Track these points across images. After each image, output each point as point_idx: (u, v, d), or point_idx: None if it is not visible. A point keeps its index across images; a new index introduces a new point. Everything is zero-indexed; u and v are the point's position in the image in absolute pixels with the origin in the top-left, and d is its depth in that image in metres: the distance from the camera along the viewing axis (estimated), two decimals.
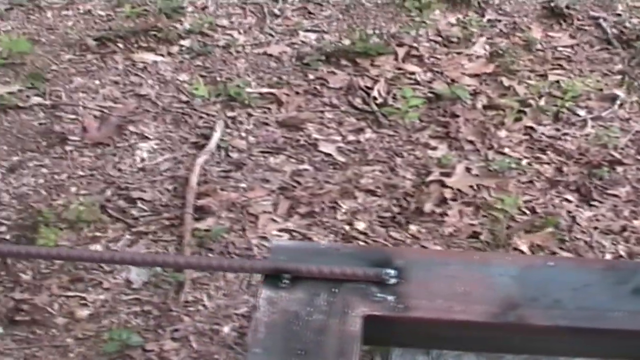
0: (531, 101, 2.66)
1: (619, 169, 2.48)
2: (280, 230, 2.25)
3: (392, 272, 1.23)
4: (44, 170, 2.42)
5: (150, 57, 2.79)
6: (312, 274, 1.23)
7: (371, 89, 2.69)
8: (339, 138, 2.53)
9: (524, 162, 2.50)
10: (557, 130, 2.58)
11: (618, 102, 2.66)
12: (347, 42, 2.83)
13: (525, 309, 1.19)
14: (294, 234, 2.24)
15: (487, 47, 2.89)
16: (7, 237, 2.22)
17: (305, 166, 2.44)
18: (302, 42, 2.86)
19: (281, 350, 1.15)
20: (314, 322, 1.19)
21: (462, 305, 1.20)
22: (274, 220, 2.29)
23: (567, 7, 3.04)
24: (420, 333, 1.27)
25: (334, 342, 1.16)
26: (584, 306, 1.20)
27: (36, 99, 2.63)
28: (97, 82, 2.69)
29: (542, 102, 2.66)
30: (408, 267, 1.26)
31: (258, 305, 1.20)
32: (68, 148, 2.48)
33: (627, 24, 2.92)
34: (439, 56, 2.84)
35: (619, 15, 2.97)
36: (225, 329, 2.03)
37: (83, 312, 2.07)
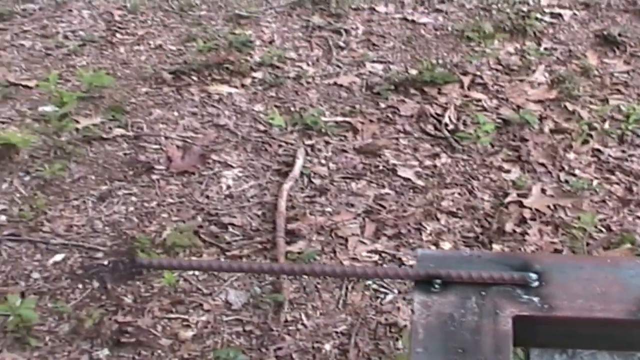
0: (596, 124, 2.74)
1: None
2: (370, 251, 2.32)
3: (534, 275, 1.32)
4: (134, 198, 2.50)
5: (224, 89, 2.89)
6: (462, 279, 1.31)
7: (442, 115, 2.78)
8: (415, 163, 2.62)
9: (595, 182, 2.57)
10: (623, 152, 2.67)
11: None
12: (413, 71, 2.93)
13: None
14: (383, 254, 2.33)
15: (547, 74, 2.99)
16: (105, 262, 2.30)
17: (387, 190, 2.52)
18: (370, 72, 2.97)
19: (441, 350, 1.23)
20: (468, 323, 1.27)
21: (602, 305, 1.28)
22: (363, 242, 2.36)
23: (620, 34, 3.16)
24: (562, 332, 1.34)
25: (490, 341, 1.23)
26: None
27: (119, 131, 2.72)
28: (175, 113, 2.79)
29: (606, 126, 2.74)
30: (547, 271, 1.34)
31: (414, 309, 1.28)
32: (154, 177, 2.56)
33: None
34: (502, 83, 2.94)
35: None
36: (327, 347, 2.09)
37: (187, 333, 2.13)
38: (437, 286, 1.27)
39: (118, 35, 3.12)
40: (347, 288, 2.21)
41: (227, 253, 2.30)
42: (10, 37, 3.13)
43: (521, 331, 1.25)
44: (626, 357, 1.38)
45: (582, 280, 1.32)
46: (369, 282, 2.22)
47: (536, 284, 1.28)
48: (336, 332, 2.12)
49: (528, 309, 1.26)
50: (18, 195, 2.48)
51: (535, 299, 1.27)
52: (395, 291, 2.19)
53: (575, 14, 3.24)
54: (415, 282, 1.30)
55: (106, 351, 2.08)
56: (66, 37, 3.12)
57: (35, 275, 2.26)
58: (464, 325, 1.24)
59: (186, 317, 2.15)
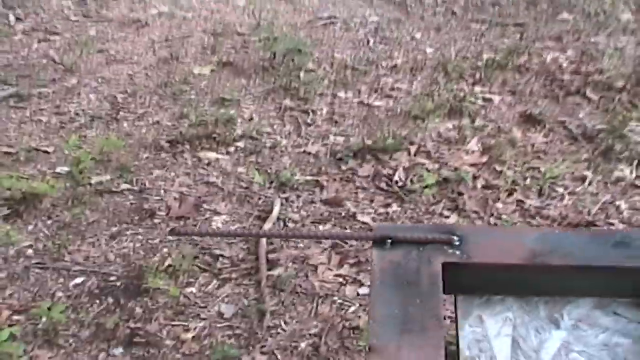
0: (519, 181, 3.32)
1: (593, 229, 3.15)
2: (335, 275, 2.83)
3: (457, 237, 1.87)
4: (140, 237, 2.98)
5: (213, 155, 3.44)
6: (406, 239, 1.86)
7: (392, 175, 3.33)
8: (372, 210, 3.15)
9: (519, 224, 3.16)
10: (542, 202, 3.26)
11: (587, 181, 3.40)
12: (369, 142, 3.50)
13: (546, 257, 1.84)
14: (346, 277, 2.83)
15: (480, 144, 3.59)
16: (118, 283, 2.78)
17: (348, 231, 3.08)
18: (333, 142, 3.54)
19: (392, 282, 1.75)
20: (411, 266, 1.80)
21: (506, 255, 1.82)
22: (329, 269, 2.85)
23: (540, 114, 3.81)
24: (479, 279, 1.86)
25: (426, 277, 1.76)
26: (583, 253, 1.85)
27: (125, 186, 3.22)
28: (172, 173, 3.32)
29: (527, 182, 3.34)
30: (467, 235, 1.88)
31: (373, 259, 1.82)
32: (156, 221, 3.05)
33: (588, 125, 3.71)
34: (442, 152, 3.53)
35: (581, 118, 3.77)
36: (302, 345, 2.56)
37: (187, 335, 2.58)
38: (388, 245, 1.83)
39: (121, 113, 3.68)
40: (317, 302, 2.71)
41: (219, 277, 2.80)
42: (29, 113, 3.68)
43: (448, 277, 1.78)
44: (527, 301, 1.92)
45: (492, 241, 1.87)
46: (335, 297, 2.73)
47: (458, 243, 1.83)
48: (309, 334, 2.60)
49: (452, 257, 1.80)
50: (42, 234, 2.96)
51: (458, 252, 1.82)
52: (357, 304, 2.70)
53: (503, 98, 3.90)
54: (373, 242, 1.85)
55: (120, 349, 2.53)
56: (77, 114, 3.67)
57: (59, 294, 2.72)
58: (408, 268, 1.78)
59: (186, 324, 2.62)
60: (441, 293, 1.72)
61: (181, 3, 4.80)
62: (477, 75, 4.06)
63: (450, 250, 1.82)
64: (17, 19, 4.56)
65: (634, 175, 3.31)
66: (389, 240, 1.83)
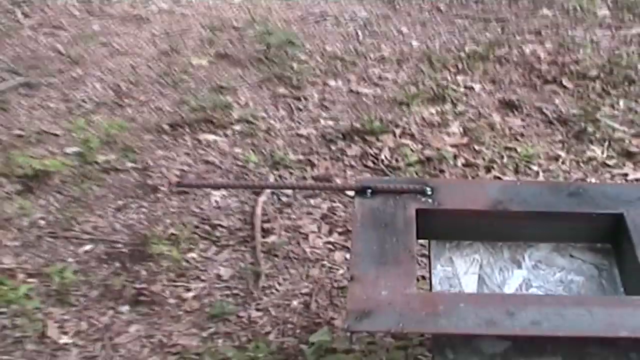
0: (497, 160, 3.57)
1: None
2: (325, 242, 3.06)
3: (429, 188, 2.11)
4: (144, 209, 3.20)
5: (211, 137, 3.67)
6: (384, 189, 2.10)
7: (379, 154, 3.59)
8: None
9: None
10: (518, 178, 3.51)
11: (561, 160, 3.63)
12: (357, 125, 3.72)
13: (507, 204, 2.07)
14: (335, 245, 3.06)
15: (461, 128, 3.84)
16: (124, 250, 3.00)
17: (337, 204, 3.28)
18: (323, 126, 3.77)
19: (372, 224, 1.99)
20: (388, 211, 2.04)
21: (472, 203, 2.05)
22: (319, 237, 3.08)
23: (518, 100, 4.04)
24: (448, 224, 2.10)
25: (401, 220, 1.99)
26: (540, 201, 2.09)
27: (130, 164, 3.44)
28: (174, 153, 3.54)
29: (504, 160, 3.59)
30: (438, 187, 2.12)
31: (355, 205, 2.05)
32: (159, 195, 3.27)
33: (563, 110, 3.95)
34: (425, 134, 3.76)
35: (557, 104, 4.01)
36: (294, 303, 2.78)
37: (188, 294, 2.80)
38: (369, 194, 2.07)
39: (125, 100, 3.91)
40: (308, 266, 2.93)
41: (217, 244, 3.02)
42: (39, 100, 3.90)
43: (422, 223, 2.02)
44: (493, 245, 2.16)
45: (460, 191, 2.11)
46: (325, 262, 2.96)
47: (430, 192, 2.08)
48: (301, 294, 2.82)
49: (425, 205, 2.04)
50: (53, 207, 3.18)
51: (430, 200, 2.05)
52: (345, 268, 2.92)
53: (484, 87, 4.13)
54: (355, 192, 2.09)
55: (127, 307, 2.75)
56: (83, 101, 3.90)
57: (70, 259, 2.93)
58: (386, 213, 2.01)
59: (187, 285, 2.83)
60: (414, 233, 1.96)
61: (180, 0, 5.04)
62: (460, 66, 4.30)
63: (424, 199, 2.06)
64: (25, 15, 4.79)
65: (605, 155, 3.55)
66: (369, 190, 2.08)
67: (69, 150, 3.49)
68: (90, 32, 4.59)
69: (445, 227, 2.10)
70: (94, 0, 5.03)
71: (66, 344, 2.56)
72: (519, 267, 2.07)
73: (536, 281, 2.05)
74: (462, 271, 2.07)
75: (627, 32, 4.59)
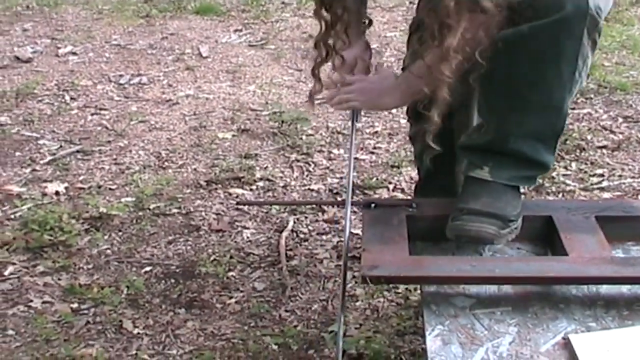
0: None
1: None
2: (336, 265, 3.92)
3: (414, 204, 3.02)
4: (189, 243, 3.93)
5: (239, 191, 4.50)
6: (384, 204, 3.00)
7: None
8: (361, 226, 4.30)
9: None
10: None
11: None
12: (358, 182, 4.68)
13: None
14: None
15: None
16: (177, 270, 3.84)
17: (343, 239, 4.17)
18: (330, 183, 4.67)
19: (375, 223, 2.87)
20: (386, 218, 2.90)
21: (440, 212, 2.98)
22: (332, 261, 3.86)
23: None
24: (427, 226, 3.00)
25: (396, 222, 2.90)
26: None
27: (175, 210, 4.29)
28: (210, 203, 4.38)
29: None
30: (420, 203, 3.03)
31: (363, 216, 2.95)
32: (201, 233, 4.11)
33: None
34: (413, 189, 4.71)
35: None
36: (315, 306, 3.51)
37: (231, 300, 3.47)
38: (372, 207, 2.97)
39: (166, 163, 4.78)
40: (324, 281, 3.76)
41: (251, 266, 3.86)
42: (94, 163, 4.74)
43: (410, 226, 2.92)
44: (461, 243, 3.04)
45: (436, 207, 3.03)
46: (337, 279, 3.79)
47: (415, 207, 2.99)
48: (319, 299, 3.60)
49: (411, 213, 2.95)
50: (116, 241, 3.99)
51: (415, 210, 2.97)
52: (353, 282, 3.76)
53: None
54: (363, 206, 2.99)
55: (183, 310, 3.51)
56: (131, 164, 4.74)
57: (134, 277, 3.77)
58: (385, 217, 2.89)
59: (230, 294, 3.55)
60: (405, 228, 2.86)
61: (203, 88, 6.05)
62: None
63: (411, 210, 2.97)
64: (72, 98, 5.78)
65: None
66: (373, 205, 2.99)
67: (124, 200, 4.37)
68: (129, 112, 5.55)
69: (426, 230, 2.99)
70: (128, 87, 6.04)
71: (139, 333, 3.37)
72: (481, 255, 2.96)
73: None
74: None
75: (580, 112, 5.61)
